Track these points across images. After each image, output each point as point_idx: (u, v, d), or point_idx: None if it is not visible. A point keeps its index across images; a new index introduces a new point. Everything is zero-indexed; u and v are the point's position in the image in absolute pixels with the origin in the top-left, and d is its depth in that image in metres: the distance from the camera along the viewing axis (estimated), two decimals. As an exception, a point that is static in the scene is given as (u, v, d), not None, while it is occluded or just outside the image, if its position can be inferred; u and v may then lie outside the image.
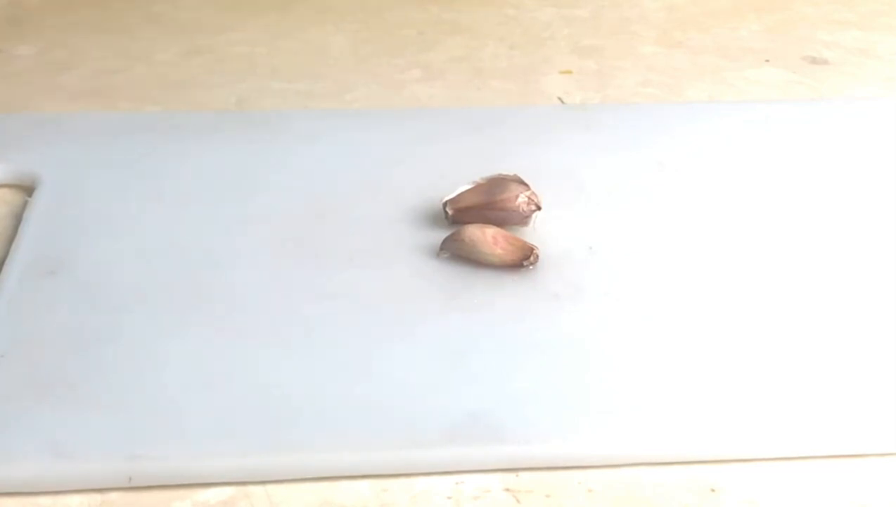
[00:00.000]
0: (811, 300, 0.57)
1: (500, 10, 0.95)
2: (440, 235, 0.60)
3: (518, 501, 0.46)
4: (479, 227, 0.59)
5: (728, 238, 0.62)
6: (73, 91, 0.80)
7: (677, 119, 0.75)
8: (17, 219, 0.63)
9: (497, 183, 0.62)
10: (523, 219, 0.61)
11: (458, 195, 0.62)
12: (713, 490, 0.47)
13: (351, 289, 0.57)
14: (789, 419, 0.49)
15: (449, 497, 0.46)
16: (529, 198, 0.61)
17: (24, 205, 0.64)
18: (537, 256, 0.59)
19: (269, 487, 0.47)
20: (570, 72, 0.84)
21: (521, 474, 0.47)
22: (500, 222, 0.61)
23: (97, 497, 0.46)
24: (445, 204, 0.62)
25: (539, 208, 0.61)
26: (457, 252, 0.59)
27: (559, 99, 0.80)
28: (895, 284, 0.58)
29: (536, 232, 0.61)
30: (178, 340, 0.53)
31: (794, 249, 0.61)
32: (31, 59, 0.85)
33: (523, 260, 0.58)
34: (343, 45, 0.88)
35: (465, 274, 0.58)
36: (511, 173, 0.62)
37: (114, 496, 0.46)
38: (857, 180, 0.68)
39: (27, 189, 0.66)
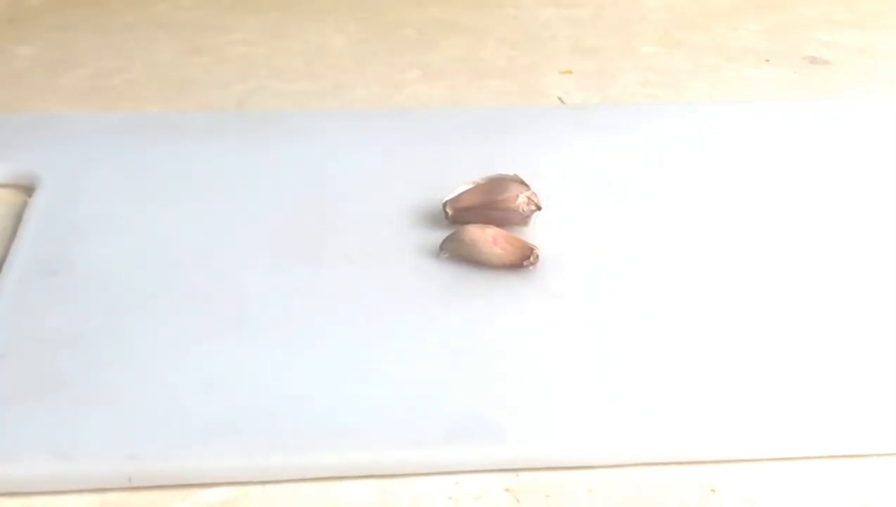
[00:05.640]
0: (811, 300, 0.57)
1: (500, 10, 0.95)
2: (440, 235, 0.60)
3: (518, 501, 0.46)
4: (479, 227, 0.59)
5: (728, 238, 0.62)
6: (73, 91, 0.80)
7: (677, 119, 0.75)
8: (17, 219, 0.63)
9: (497, 183, 0.62)
10: (523, 219, 0.61)
11: (458, 195, 0.62)
12: (713, 490, 0.47)
13: (351, 289, 0.57)
14: (789, 419, 0.49)
15: (449, 497, 0.46)
16: (529, 198, 0.61)
17: (24, 205, 0.64)
18: (537, 256, 0.59)
19: (269, 487, 0.47)
20: (570, 72, 0.84)
21: (521, 474, 0.47)
22: (500, 222, 0.60)
23: (97, 497, 0.46)
24: (445, 204, 0.62)
25: (539, 208, 0.61)
26: (457, 252, 0.59)
27: (559, 99, 0.80)
28: (895, 284, 0.58)
29: (536, 232, 0.61)
30: (178, 339, 0.53)
31: (794, 250, 0.61)
32: (31, 59, 0.85)
33: (523, 260, 0.58)
34: (343, 45, 0.88)
35: (465, 274, 0.58)
36: (511, 173, 0.62)
37: (114, 496, 0.46)
38: (857, 180, 0.68)
39: (27, 189, 0.66)
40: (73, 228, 0.62)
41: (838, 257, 0.60)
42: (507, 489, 0.47)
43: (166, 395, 0.50)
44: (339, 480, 0.47)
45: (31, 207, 0.64)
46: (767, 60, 0.87)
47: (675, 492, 0.47)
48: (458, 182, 0.63)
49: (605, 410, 0.49)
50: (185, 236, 0.61)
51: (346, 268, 0.59)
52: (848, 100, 0.80)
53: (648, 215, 0.64)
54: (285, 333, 0.54)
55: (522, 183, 0.62)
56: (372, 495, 0.46)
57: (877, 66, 0.86)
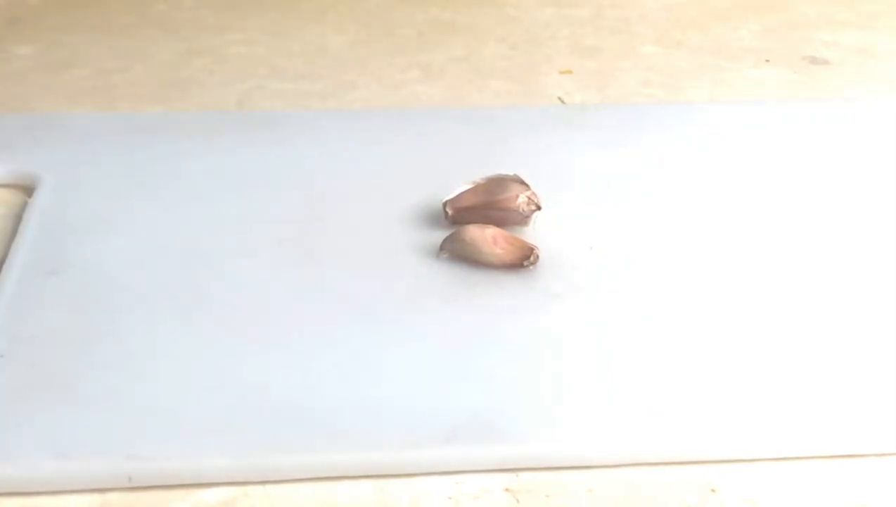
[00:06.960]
0: (811, 300, 0.57)
1: (500, 10, 0.95)
2: (440, 235, 0.60)
3: (518, 501, 0.46)
4: (479, 227, 0.59)
5: (728, 238, 0.62)
6: (73, 91, 0.80)
7: (677, 119, 0.75)
8: (17, 219, 0.63)
9: (497, 183, 0.62)
10: (523, 219, 0.61)
11: (458, 195, 0.62)
12: (713, 490, 0.47)
13: (351, 289, 0.57)
14: (789, 419, 0.49)
15: (449, 497, 0.46)
16: (529, 198, 0.61)
17: (24, 205, 0.64)
18: (537, 256, 0.59)
19: (269, 487, 0.47)
20: (570, 72, 0.84)
21: (521, 474, 0.47)
22: (500, 222, 0.60)
23: (97, 497, 0.46)
24: (445, 204, 0.62)
25: (539, 208, 0.61)
26: (457, 252, 0.59)
27: (559, 99, 0.80)
28: (895, 284, 0.58)
29: (536, 232, 0.61)
30: (178, 340, 0.53)
31: (793, 250, 0.61)
32: (31, 59, 0.85)
33: (523, 260, 0.58)
34: (343, 45, 0.88)
35: (465, 274, 0.58)
36: (511, 173, 0.62)
37: (114, 496, 0.46)
38: (857, 181, 0.68)
39: (27, 189, 0.66)
40: (73, 228, 0.62)
41: (838, 258, 0.60)
42: (507, 489, 0.47)
43: (166, 395, 0.50)
44: (338, 480, 0.47)
45: (31, 207, 0.64)
46: (767, 60, 0.87)
47: (674, 492, 0.47)
48: (458, 182, 0.63)
49: (605, 410, 0.49)
50: (184, 236, 0.61)
51: (347, 268, 0.59)
52: (848, 100, 0.80)
53: (648, 216, 0.64)
54: (285, 333, 0.54)
55: (522, 183, 0.62)
56: (371, 495, 0.46)
57: (877, 67, 0.86)
